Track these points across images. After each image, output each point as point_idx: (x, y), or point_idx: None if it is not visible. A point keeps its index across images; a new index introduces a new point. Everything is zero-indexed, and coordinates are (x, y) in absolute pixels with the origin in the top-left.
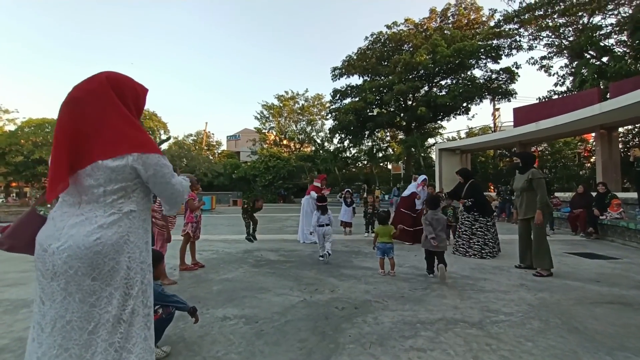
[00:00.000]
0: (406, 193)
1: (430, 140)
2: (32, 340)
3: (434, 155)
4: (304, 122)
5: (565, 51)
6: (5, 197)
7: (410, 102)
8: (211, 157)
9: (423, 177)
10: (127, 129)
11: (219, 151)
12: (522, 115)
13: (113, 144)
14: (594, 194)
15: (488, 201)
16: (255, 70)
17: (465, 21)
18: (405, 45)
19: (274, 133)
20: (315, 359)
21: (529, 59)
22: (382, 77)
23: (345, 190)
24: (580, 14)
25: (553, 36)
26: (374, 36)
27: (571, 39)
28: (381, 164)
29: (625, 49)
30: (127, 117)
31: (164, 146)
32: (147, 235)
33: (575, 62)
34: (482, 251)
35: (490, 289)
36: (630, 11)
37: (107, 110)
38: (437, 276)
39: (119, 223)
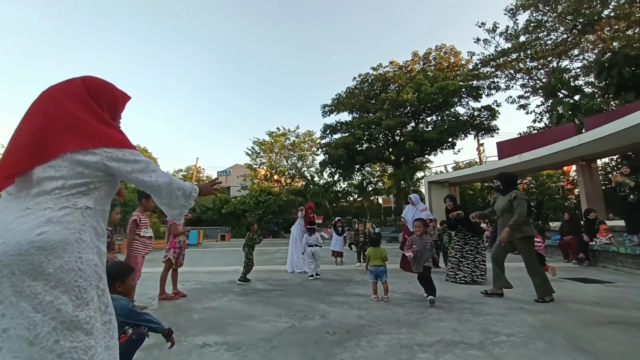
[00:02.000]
0: (408, 218)
1: (419, 174)
2: None
3: (423, 189)
4: (295, 158)
5: (539, 91)
6: None
7: (398, 137)
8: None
9: (410, 195)
10: (101, 126)
11: None
12: (506, 148)
13: (85, 138)
14: (582, 221)
15: (477, 223)
16: (247, 106)
17: (446, 64)
18: (392, 85)
19: (265, 168)
20: None
21: (508, 97)
22: (371, 114)
23: (337, 219)
24: (549, 58)
25: (527, 77)
26: (361, 76)
27: (544, 80)
28: (372, 198)
29: (593, 89)
30: (100, 116)
31: None
32: (100, 238)
33: (550, 101)
34: (473, 274)
35: (488, 312)
36: (594, 56)
37: (80, 108)
38: (429, 300)
39: (71, 218)
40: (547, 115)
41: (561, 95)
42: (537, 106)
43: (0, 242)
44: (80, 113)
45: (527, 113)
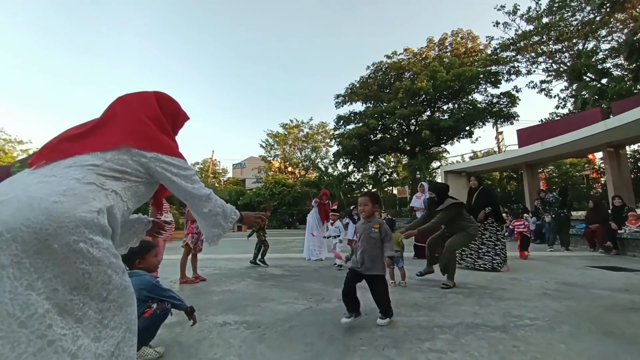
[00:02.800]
0: (414, 203)
1: (435, 164)
2: None
3: (439, 179)
4: (309, 149)
5: (563, 74)
6: None
7: (413, 127)
8: (217, 185)
9: (421, 183)
10: (161, 134)
11: (225, 179)
12: (526, 136)
13: (143, 139)
14: (609, 210)
15: (499, 208)
16: (261, 99)
17: (463, 50)
18: (406, 73)
19: (279, 160)
20: None
21: (529, 82)
22: (385, 104)
23: (352, 207)
24: (574, 40)
25: (550, 61)
26: (375, 65)
27: (569, 63)
28: (386, 189)
29: (623, 72)
30: (163, 126)
31: None
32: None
33: (575, 85)
34: (493, 262)
35: (510, 297)
36: (624, 37)
37: (147, 114)
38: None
39: (93, 196)
40: (572, 100)
41: (587, 79)
42: (561, 91)
43: (12, 202)
44: (146, 119)
45: (549, 98)
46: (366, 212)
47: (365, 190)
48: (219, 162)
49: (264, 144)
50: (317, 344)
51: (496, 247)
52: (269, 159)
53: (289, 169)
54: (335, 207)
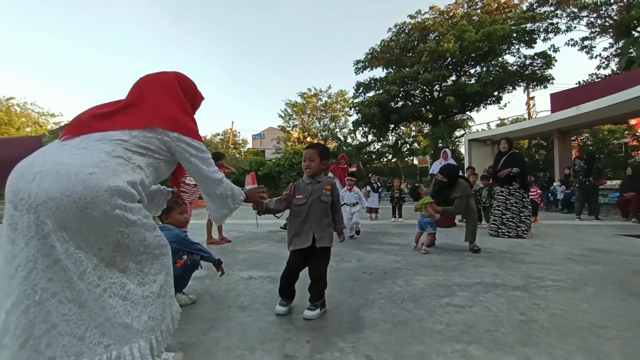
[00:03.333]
0: (434, 170)
1: (458, 133)
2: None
3: (462, 149)
4: (327, 119)
5: (609, 30)
6: None
7: (436, 93)
8: (237, 155)
9: (444, 149)
10: (183, 115)
11: (245, 149)
12: (561, 100)
13: (167, 121)
14: None
15: (527, 174)
16: (279, 68)
17: (495, 5)
18: (431, 34)
19: (298, 130)
20: (344, 311)
21: (568, 40)
22: (407, 68)
23: (371, 174)
24: None
25: (595, 15)
26: (397, 27)
27: (616, 17)
28: (406, 159)
29: None
30: (185, 107)
31: None
32: (140, 200)
33: (622, 42)
34: (518, 229)
35: (532, 261)
36: None
37: (170, 96)
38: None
39: (123, 169)
40: (616, 60)
41: (636, 35)
42: (604, 49)
43: (51, 172)
44: (170, 101)
45: (590, 58)
46: (311, 169)
47: (385, 160)
48: (238, 132)
49: (282, 114)
50: (337, 296)
51: (521, 214)
52: (287, 129)
53: (308, 139)
54: (354, 170)
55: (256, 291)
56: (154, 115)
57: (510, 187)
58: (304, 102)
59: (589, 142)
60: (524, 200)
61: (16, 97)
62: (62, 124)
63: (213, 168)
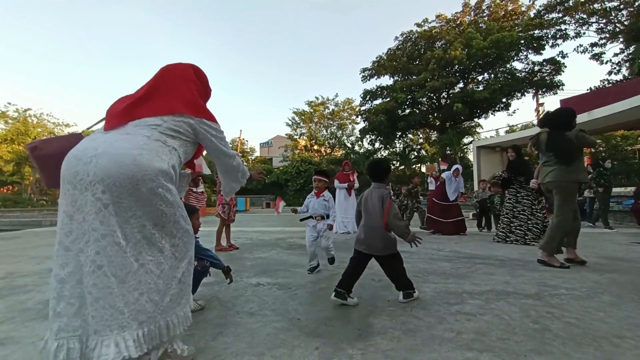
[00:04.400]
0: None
1: (466, 140)
2: (56, 265)
3: (471, 156)
4: (334, 127)
5: (619, 36)
6: None
7: (444, 100)
8: (245, 163)
9: (456, 166)
10: (203, 103)
11: (253, 157)
12: (571, 106)
13: (191, 107)
14: None
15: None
16: (286, 77)
17: (502, 13)
18: (438, 42)
19: (305, 139)
20: (353, 317)
21: (577, 46)
22: (414, 76)
23: None
24: None
25: (604, 21)
26: (404, 35)
27: (627, 22)
28: (414, 166)
29: None
30: (203, 96)
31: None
32: (177, 179)
33: (633, 47)
34: (526, 237)
35: (545, 269)
36: None
37: (191, 86)
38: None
39: (162, 151)
40: (627, 65)
41: None
42: (615, 55)
43: (104, 154)
44: (191, 89)
45: (601, 64)
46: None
47: (392, 167)
48: (246, 141)
49: (290, 122)
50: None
51: (529, 222)
52: (295, 137)
53: (315, 147)
54: (354, 175)
55: (264, 297)
56: (179, 101)
57: (518, 195)
58: (312, 110)
59: (601, 148)
60: (533, 207)
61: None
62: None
63: (228, 146)
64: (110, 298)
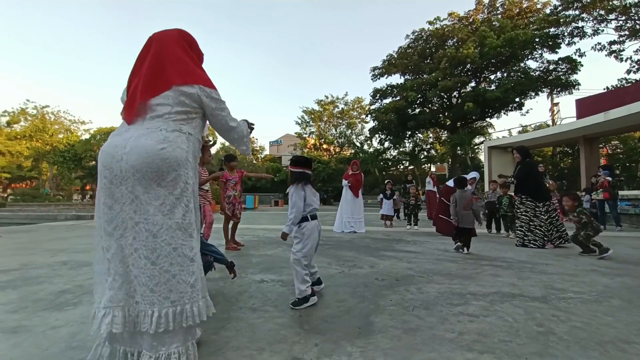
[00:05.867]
0: (450, 183)
1: (477, 140)
2: (99, 248)
3: (482, 157)
4: (344, 126)
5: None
6: (82, 197)
7: (455, 99)
8: (255, 162)
9: (473, 174)
10: (197, 68)
11: (262, 156)
12: (587, 106)
13: (187, 74)
14: None
15: (542, 183)
16: (296, 76)
17: (517, 10)
18: (450, 41)
19: (314, 137)
20: (354, 315)
21: (595, 44)
22: (425, 75)
23: (387, 181)
24: None
25: (624, 17)
26: (416, 34)
27: None
28: (423, 166)
29: None
30: (196, 61)
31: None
32: (195, 161)
33: None
34: (525, 238)
35: (553, 272)
36: None
37: (182, 52)
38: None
39: (181, 140)
40: None
41: None
42: (635, 52)
43: (132, 151)
44: (184, 56)
45: (620, 62)
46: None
47: (401, 166)
48: (256, 139)
49: (299, 121)
50: (348, 301)
51: (530, 224)
52: (304, 136)
53: (324, 145)
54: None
55: (268, 294)
56: (174, 73)
57: (522, 197)
58: (321, 109)
59: (618, 150)
60: (536, 210)
61: (50, 105)
62: (92, 131)
63: (231, 115)
64: (144, 277)
